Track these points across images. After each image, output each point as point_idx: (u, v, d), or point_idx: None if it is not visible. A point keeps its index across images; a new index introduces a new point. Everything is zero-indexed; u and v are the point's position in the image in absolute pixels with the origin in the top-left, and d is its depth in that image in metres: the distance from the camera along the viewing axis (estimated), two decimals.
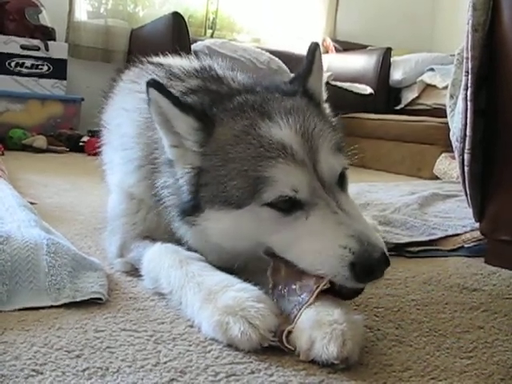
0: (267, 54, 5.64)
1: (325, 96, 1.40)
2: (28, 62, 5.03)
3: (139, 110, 1.36)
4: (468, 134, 1.65)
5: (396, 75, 5.99)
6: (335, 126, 1.25)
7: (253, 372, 0.92)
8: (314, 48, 1.33)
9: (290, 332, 1.00)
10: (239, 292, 1.05)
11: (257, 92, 1.24)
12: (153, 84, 1.15)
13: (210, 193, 1.13)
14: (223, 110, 1.17)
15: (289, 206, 1.06)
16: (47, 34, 5.18)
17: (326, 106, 1.41)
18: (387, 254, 1.01)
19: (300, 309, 1.01)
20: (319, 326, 0.96)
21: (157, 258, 1.26)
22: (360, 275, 0.99)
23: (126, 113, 1.45)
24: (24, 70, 5.02)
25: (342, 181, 1.14)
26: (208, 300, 1.06)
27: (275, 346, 0.99)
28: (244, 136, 1.11)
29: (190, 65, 1.48)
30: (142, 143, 1.35)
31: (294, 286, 1.06)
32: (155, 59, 1.65)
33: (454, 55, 1.90)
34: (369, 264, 0.98)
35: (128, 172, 1.40)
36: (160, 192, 1.26)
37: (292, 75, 1.40)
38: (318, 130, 1.13)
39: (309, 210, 1.06)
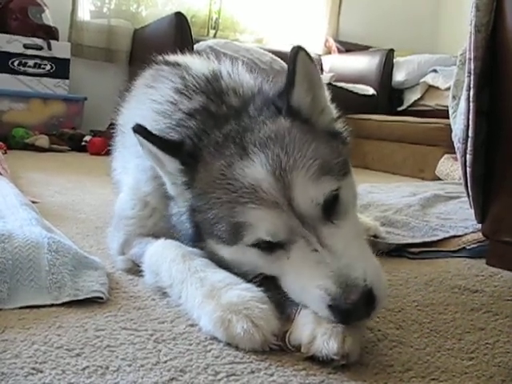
0: (270, 54, 5.64)
1: (329, 96, 1.30)
2: (31, 61, 5.04)
3: (154, 120, 1.34)
4: (470, 135, 1.64)
5: (399, 76, 5.99)
6: (331, 139, 1.18)
7: (253, 372, 0.92)
8: (295, 54, 1.13)
9: (291, 332, 1.00)
10: (243, 291, 1.05)
11: (246, 115, 1.20)
12: (137, 130, 1.16)
13: (204, 228, 1.15)
14: (208, 146, 1.16)
15: (270, 247, 1.05)
16: (50, 34, 5.20)
17: (332, 107, 1.31)
18: (376, 289, 0.95)
19: (298, 308, 1.02)
20: (320, 323, 0.97)
21: (159, 252, 1.26)
22: (339, 317, 0.95)
23: (141, 119, 1.44)
24: (27, 69, 5.04)
25: (332, 206, 1.05)
26: (210, 296, 1.06)
27: (275, 346, 0.99)
28: (221, 179, 1.09)
29: (204, 68, 1.44)
30: None
31: None
32: (172, 58, 1.64)
33: (456, 56, 1.90)
34: (345, 308, 0.93)
35: (143, 180, 1.40)
36: (170, 219, 1.28)
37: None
38: (293, 161, 1.05)
39: (289, 249, 1.03)
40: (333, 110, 1.30)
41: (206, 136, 1.18)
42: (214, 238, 1.13)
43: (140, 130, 1.17)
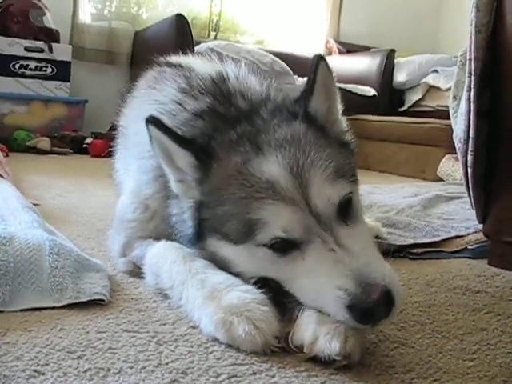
0: (271, 55, 5.64)
1: (341, 109, 1.30)
2: (32, 64, 5.05)
3: None
4: (471, 135, 1.64)
5: (400, 77, 5.99)
6: (342, 148, 1.19)
7: (254, 373, 0.92)
8: (317, 62, 1.17)
9: (293, 333, 1.00)
10: (244, 293, 1.05)
11: (259, 117, 1.20)
12: (152, 121, 1.14)
13: (210, 226, 1.13)
14: (221, 144, 1.15)
15: (284, 247, 1.03)
16: (51, 36, 5.20)
17: (343, 119, 1.31)
18: (394, 290, 0.94)
19: (301, 309, 1.02)
20: (323, 323, 0.96)
21: (160, 253, 1.26)
22: (359, 318, 0.93)
23: (143, 120, 1.44)
24: (28, 72, 5.05)
25: (346, 209, 1.06)
26: (211, 297, 1.06)
27: (276, 349, 0.99)
28: (236, 176, 1.08)
29: (208, 69, 1.43)
30: None
31: None
32: (175, 59, 1.63)
33: (457, 57, 1.90)
34: (365, 307, 0.92)
35: (144, 182, 1.39)
36: (170, 220, 1.27)
37: (299, 81, 1.31)
38: (310, 160, 1.06)
39: (305, 249, 1.01)
40: (344, 123, 1.31)
41: (219, 134, 1.17)
42: (220, 237, 1.12)
43: (154, 121, 1.15)
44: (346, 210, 1.06)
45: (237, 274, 1.13)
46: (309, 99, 1.19)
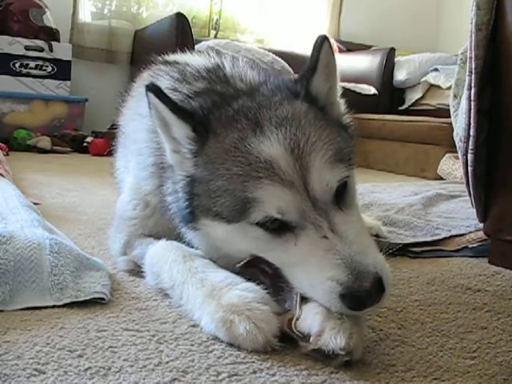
0: (271, 54, 5.64)
1: (340, 91, 1.30)
2: (32, 63, 5.05)
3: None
4: (471, 134, 1.64)
5: (400, 75, 5.98)
6: (342, 130, 1.19)
7: (255, 372, 0.92)
8: (321, 42, 1.16)
9: (297, 319, 1.00)
10: (244, 291, 1.05)
11: (259, 94, 1.19)
12: (151, 88, 1.13)
13: (202, 203, 1.12)
14: (219, 118, 1.13)
15: (277, 227, 1.02)
16: (51, 35, 5.20)
17: (342, 102, 1.32)
18: (385, 277, 0.96)
19: (298, 293, 1.02)
20: (329, 317, 0.96)
21: (160, 252, 1.26)
22: (352, 306, 0.95)
23: (140, 118, 1.43)
24: (28, 71, 5.05)
25: (341, 193, 1.06)
26: (211, 296, 1.06)
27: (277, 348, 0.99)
28: (233, 151, 1.06)
29: (204, 62, 1.43)
30: (154, 149, 1.33)
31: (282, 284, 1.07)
32: (172, 57, 1.63)
33: (457, 55, 1.89)
34: (358, 295, 0.93)
35: (143, 178, 1.39)
36: (165, 199, 1.26)
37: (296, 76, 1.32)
38: (311, 143, 1.05)
39: (298, 233, 1.01)
40: (342, 105, 1.31)
41: (217, 109, 1.16)
42: (212, 216, 1.10)
43: (154, 88, 1.13)
44: (342, 194, 1.06)
45: (231, 257, 1.13)
46: (311, 78, 1.18)
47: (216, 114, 1.15)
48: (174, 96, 1.28)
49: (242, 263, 1.11)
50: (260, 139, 1.06)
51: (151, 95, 1.13)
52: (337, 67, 1.24)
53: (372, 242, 1.05)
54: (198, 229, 1.17)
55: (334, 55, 1.21)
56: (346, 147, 1.13)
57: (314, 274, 0.98)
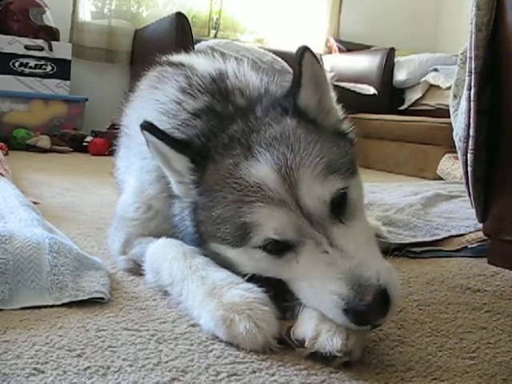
0: (270, 54, 5.64)
1: (335, 97, 1.29)
2: (32, 62, 5.05)
3: (159, 120, 1.32)
4: (471, 134, 1.64)
5: (399, 76, 5.99)
6: (338, 139, 1.17)
7: (254, 371, 0.92)
8: (301, 54, 1.13)
9: (296, 327, 1.00)
10: (245, 291, 1.05)
11: (252, 116, 1.18)
12: (146, 127, 1.15)
13: (207, 230, 1.14)
14: (217, 146, 1.15)
15: (278, 249, 1.02)
16: (51, 35, 5.20)
17: (339, 108, 1.31)
18: (390, 288, 0.93)
19: (302, 305, 1.02)
20: (324, 320, 0.96)
21: (160, 250, 1.26)
22: (356, 320, 0.93)
23: None
24: (28, 70, 5.05)
25: (340, 205, 1.04)
26: (212, 294, 1.06)
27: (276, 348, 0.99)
28: (228, 178, 1.08)
29: (209, 68, 1.43)
30: None
31: None
32: (177, 58, 1.63)
33: (457, 55, 1.89)
34: (360, 310, 0.91)
35: (147, 182, 1.39)
36: (172, 220, 1.27)
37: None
38: (299, 159, 1.04)
39: (299, 251, 1.01)
40: (339, 111, 1.29)
41: (214, 136, 1.17)
42: (218, 240, 1.12)
43: (148, 127, 1.15)
44: (341, 206, 1.04)
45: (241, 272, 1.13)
46: (297, 93, 1.16)
47: (213, 140, 1.16)
48: (177, 110, 1.30)
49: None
50: (249, 163, 1.07)
51: (147, 134, 1.15)
52: (325, 74, 1.23)
53: (376, 253, 1.04)
54: (208, 249, 1.19)
55: (319, 63, 1.18)
56: (341, 157, 1.11)
57: (318, 289, 0.98)
